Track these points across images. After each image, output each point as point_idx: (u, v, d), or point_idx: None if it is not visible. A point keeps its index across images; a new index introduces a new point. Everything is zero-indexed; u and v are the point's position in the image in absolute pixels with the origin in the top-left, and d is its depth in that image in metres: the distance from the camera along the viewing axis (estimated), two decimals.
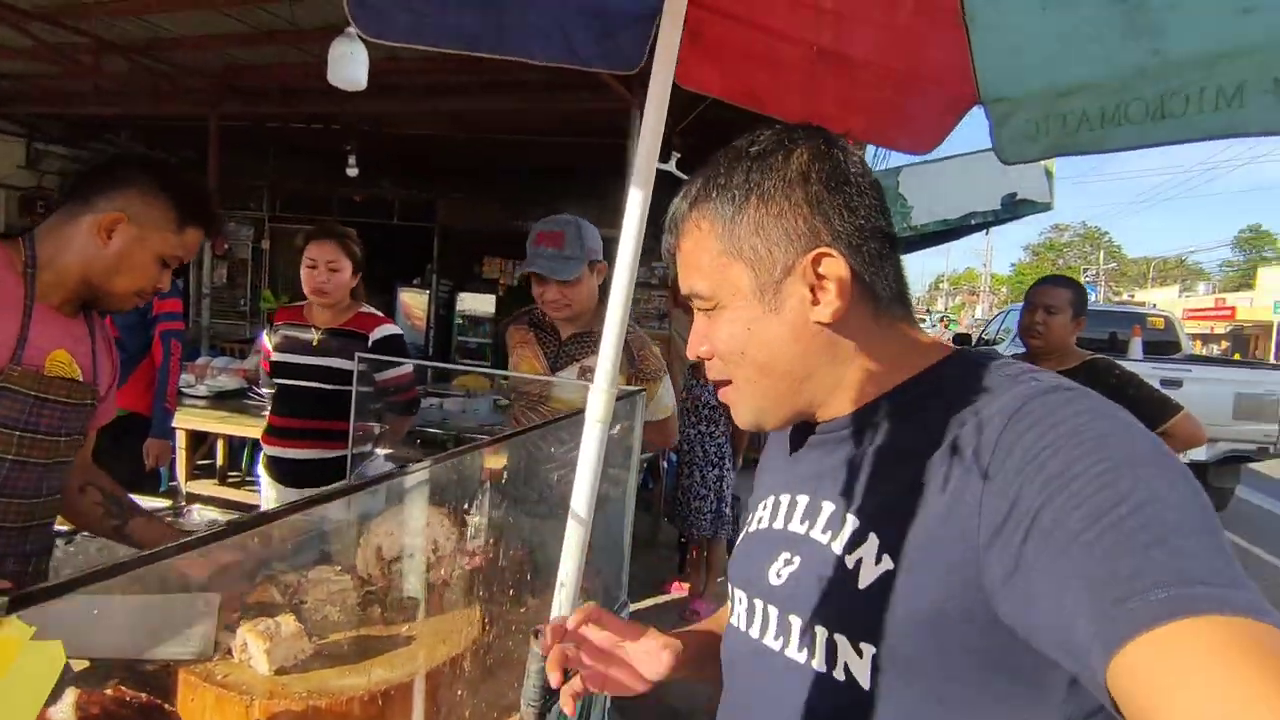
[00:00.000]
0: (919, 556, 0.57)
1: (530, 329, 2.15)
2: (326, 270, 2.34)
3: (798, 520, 0.68)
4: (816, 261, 0.64)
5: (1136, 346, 8.29)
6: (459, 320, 9.31)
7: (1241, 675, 0.39)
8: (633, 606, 3.63)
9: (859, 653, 0.59)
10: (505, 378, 2.15)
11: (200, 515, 3.66)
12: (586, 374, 2.02)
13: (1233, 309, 29.59)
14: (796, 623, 0.64)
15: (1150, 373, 5.37)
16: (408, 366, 2.47)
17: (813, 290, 0.65)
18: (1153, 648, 0.42)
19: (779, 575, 0.67)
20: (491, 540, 1.49)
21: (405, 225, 9.34)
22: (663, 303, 7.08)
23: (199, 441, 4.68)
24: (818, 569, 0.63)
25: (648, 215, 0.97)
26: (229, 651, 1.11)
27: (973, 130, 1.84)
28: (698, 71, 1.57)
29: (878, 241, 0.66)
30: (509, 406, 2.25)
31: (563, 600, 0.96)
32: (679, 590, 3.98)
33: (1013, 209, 5.16)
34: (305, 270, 2.35)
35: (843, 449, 0.67)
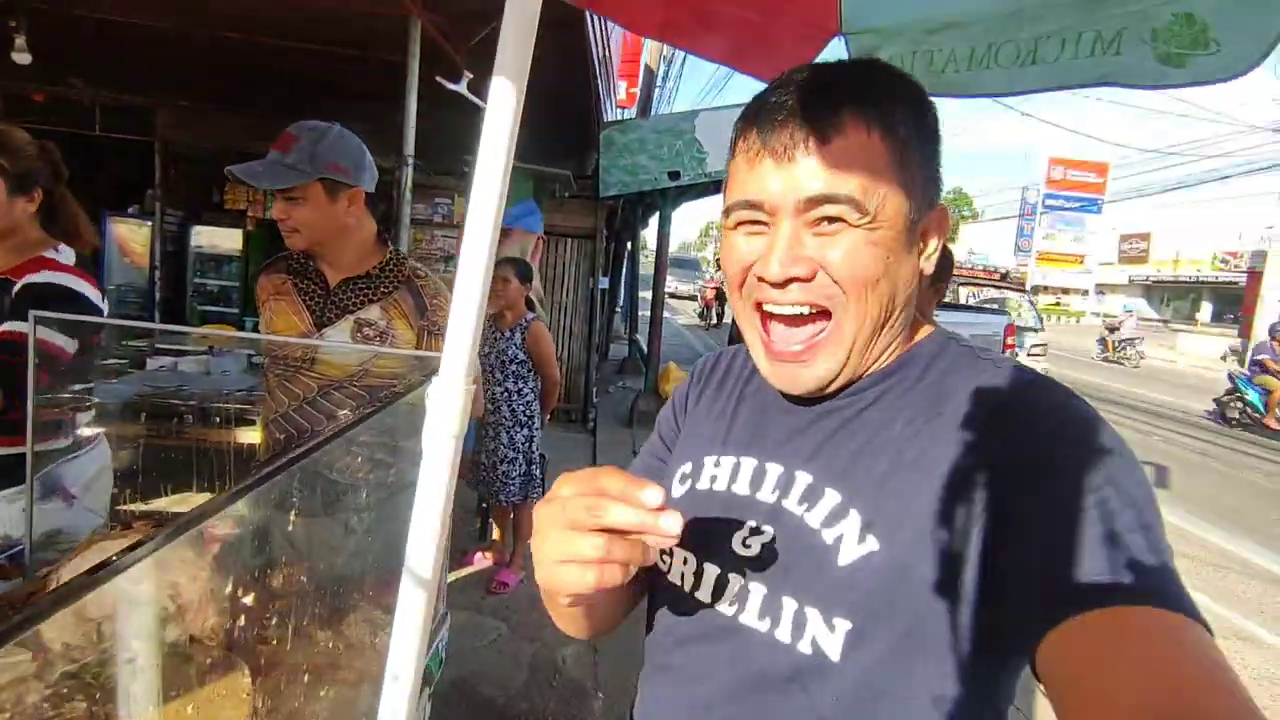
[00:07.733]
0: (904, 535, 0.58)
1: (288, 276, 1.70)
2: None
3: (768, 489, 0.67)
4: (941, 214, 0.65)
5: None
6: (195, 259, 7.79)
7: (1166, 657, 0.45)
8: None
9: (831, 628, 0.59)
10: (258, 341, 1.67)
11: None
12: (363, 329, 1.63)
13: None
14: (760, 591, 0.64)
15: None
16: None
17: (924, 240, 0.64)
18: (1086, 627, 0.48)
19: (746, 544, 0.66)
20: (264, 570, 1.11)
21: (112, 138, 7.49)
22: (450, 244, 6.47)
23: None
24: (792, 542, 0.64)
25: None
26: None
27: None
28: None
29: None
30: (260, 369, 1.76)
31: (398, 698, 0.66)
32: (482, 560, 3.68)
33: None
34: None
35: (826, 421, 0.67)
